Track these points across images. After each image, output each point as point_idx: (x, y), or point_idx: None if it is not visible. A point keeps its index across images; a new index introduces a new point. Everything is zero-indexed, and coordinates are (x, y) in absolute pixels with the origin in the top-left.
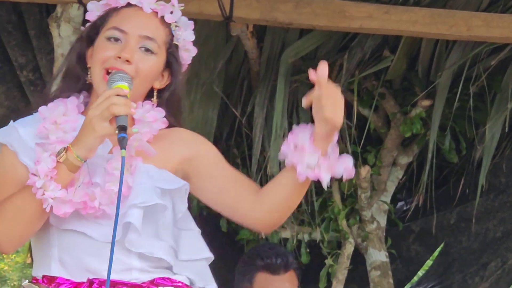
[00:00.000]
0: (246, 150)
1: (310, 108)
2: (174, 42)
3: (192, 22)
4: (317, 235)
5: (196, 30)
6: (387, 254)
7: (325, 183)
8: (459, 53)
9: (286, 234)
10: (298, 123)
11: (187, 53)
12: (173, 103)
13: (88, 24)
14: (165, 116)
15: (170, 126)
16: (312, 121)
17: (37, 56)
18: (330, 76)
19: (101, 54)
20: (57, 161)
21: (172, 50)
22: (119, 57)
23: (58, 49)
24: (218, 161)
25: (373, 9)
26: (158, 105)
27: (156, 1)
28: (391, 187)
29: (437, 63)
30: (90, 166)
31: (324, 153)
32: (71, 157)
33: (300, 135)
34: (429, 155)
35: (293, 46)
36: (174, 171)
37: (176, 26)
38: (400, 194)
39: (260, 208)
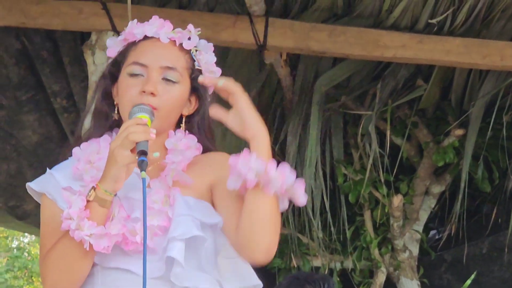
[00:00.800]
0: None
1: (344, 136)
2: (197, 67)
3: (211, 44)
4: (349, 264)
5: (230, 58)
6: (419, 283)
7: (271, 190)
8: (492, 83)
9: (317, 262)
10: (330, 151)
11: (212, 75)
12: (204, 126)
13: (109, 61)
14: (198, 141)
15: (205, 150)
16: (346, 151)
17: (71, 83)
18: (363, 104)
19: (126, 91)
20: (87, 200)
21: (195, 76)
22: (144, 92)
23: (92, 76)
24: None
25: (407, 38)
26: (189, 131)
27: (173, 30)
28: (424, 216)
29: (470, 92)
30: (129, 201)
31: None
32: (99, 193)
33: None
34: (462, 185)
35: (327, 75)
36: (208, 199)
37: (196, 50)
38: (432, 223)
39: (241, 239)
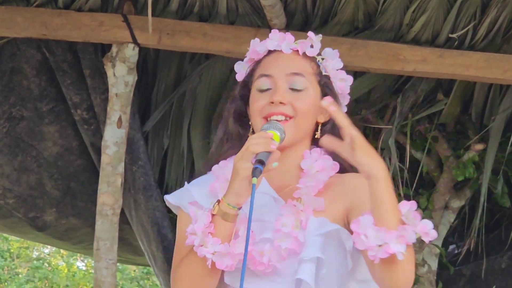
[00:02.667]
0: None
1: None
2: (324, 73)
3: (337, 51)
4: None
5: None
6: None
7: (399, 256)
8: None
9: None
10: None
11: (343, 82)
12: (336, 135)
13: (239, 84)
14: (333, 158)
15: (341, 169)
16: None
17: (92, 95)
18: (383, 118)
19: (256, 105)
20: (212, 215)
21: (324, 82)
22: (272, 102)
23: (112, 88)
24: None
25: (427, 52)
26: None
27: (295, 41)
28: (443, 231)
29: (491, 107)
30: (261, 223)
31: (391, 227)
32: (223, 207)
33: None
34: (482, 199)
35: None
36: (343, 224)
37: (322, 58)
38: (451, 237)
39: (376, 276)
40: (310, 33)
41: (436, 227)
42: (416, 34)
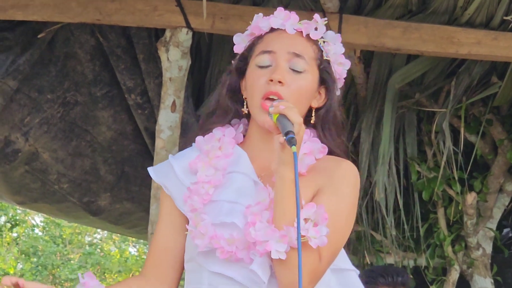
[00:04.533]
0: None
1: (417, 133)
2: (325, 57)
3: (339, 35)
4: (422, 261)
5: None
6: (492, 281)
7: (274, 254)
8: None
9: (390, 260)
10: (404, 149)
11: (341, 67)
12: (328, 121)
13: (236, 57)
14: (321, 140)
15: (330, 151)
16: (419, 148)
17: (145, 80)
18: (437, 101)
19: (255, 82)
20: None
21: (324, 66)
22: (271, 80)
23: (166, 73)
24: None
25: (481, 35)
26: (314, 125)
27: (299, 22)
28: (497, 214)
29: None
30: (231, 204)
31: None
32: None
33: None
34: None
35: (400, 72)
36: None
37: (324, 41)
38: (506, 220)
39: None
40: (316, 16)
41: (490, 210)
42: (470, 16)
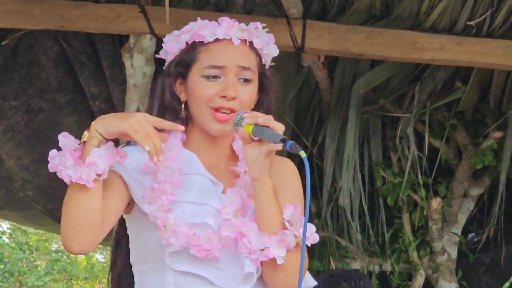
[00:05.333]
0: (317, 181)
1: (382, 139)
2: (263, 63)
3: (272, 35)
4: (387, 267)
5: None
6: (457, 286)
7: (279, 260)
8: None
9: (356, 265)
10: (369, 154)
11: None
12: None
13: (172, 60)
14: None
15: None
16: (384, 153)
17: (110, 86)
18: (401, 107)
19: (203, 92)
20: (83, 142)
21: (262, 71)
22: (224, 96)
23: (130, 79)
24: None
25: (445, 40)
26: None
27: (239, 29)
28: (462, 219)
29: (509, 94)
30: (201, 206)
31: (272, 231)
32: (92, 132)
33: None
34: (500, 187)
35: (364, 77)
36: None
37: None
38: (471, 225)
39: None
40: (258, 24)
41: (455, 215)
42: (434, 22)
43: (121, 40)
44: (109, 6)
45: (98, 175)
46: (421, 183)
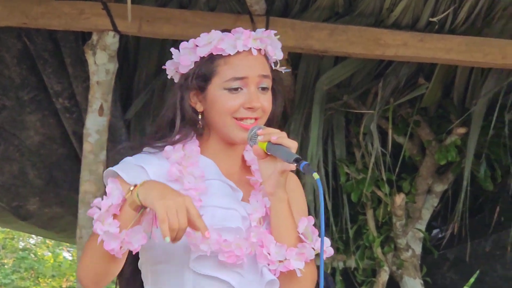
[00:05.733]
0: None
1: (346, 135)
2: (273, 68)
3: (279, 42)
4: (351, 263)
5: None
6: (422, 282)
7: (298, 272)
8: (494, 81)
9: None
10: (333, 150)
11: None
12: (274, 124)
13: (187, 72)
14: None
15: None
16: (348, 150)
17: (73, 83)
18: (365, 103)
19: (228, 105)
20: (124, 198)
21: (273, 77)
22: (250, 108)
23: (93, 76)
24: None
25: (408, 37)
26: None
27: (253, 39)
28: (426, 215)
29: (472, 90)
30: (229, 211)
31: (290, 244)
32: (133, 195)
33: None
34: (464, 183)
35: (328, 74)
36: None
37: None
38: (435, 221)
39: None
40: (270, 32)
41: (419, 211)
42: (397, 18)
43: (84, 37)
44: (72, 3)
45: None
46: (384, 179)
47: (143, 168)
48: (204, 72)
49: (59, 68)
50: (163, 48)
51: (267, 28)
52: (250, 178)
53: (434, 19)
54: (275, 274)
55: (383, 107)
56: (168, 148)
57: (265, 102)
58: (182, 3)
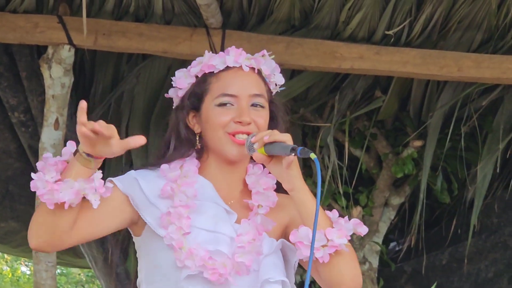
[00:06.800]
0: None
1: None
2: (271, 90)
3: (277, 65)
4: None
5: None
6: None
7: (344, 248)
8: (450, 94)
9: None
10: None
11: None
12: None
13: (184, 94)
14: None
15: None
16: (305, 163)
17: (29, 97)
18: (321, 116)
19: (219, 119)
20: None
21: (271, 99)
22: (239, 122)
23: (49, 90)
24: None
25: (364, 50)
26: None
27: (246, 58)
28: (383, 228)
29: (429, 103)
30: (215, 234)
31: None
32: (80, 149)
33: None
34: (421, 196)
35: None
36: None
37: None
38: (392, 234)
39: (323, 280)
40: (264, 51)
41: (376, 225)
42: (353, 31)
43: (39, 50)
44: (27, 17)
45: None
46: (341, 192)
47: (137, 180)
48: (197, 91)
49: (15, 82)
50: (119, 61)
51: (223, 42)
52: (247, 201)
53: (390, 32)
54: (323, 262)
55: (340, 120)
56: (164, 166)
57: (259, 118)
58: (138, 17)
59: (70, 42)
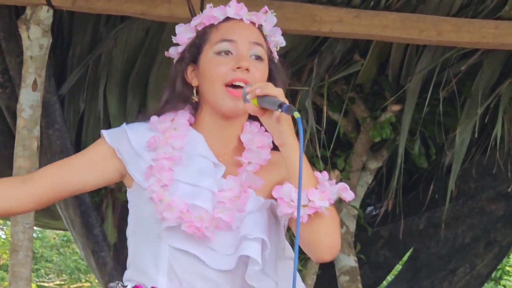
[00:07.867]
0: None
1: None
2: (271, 48)
3: (279, 28)
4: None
5: (166, 34)
6: (356, 259)
7: (324, 211)
8: (429, 58)
9: None
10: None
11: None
12: None
13: (185, 46)
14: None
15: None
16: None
17: (6, 58)
18: (300, 80)
19: (217, 69)
20: None
21: (270, 56)
22: (238, 68)
23: (27, 51)
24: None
25: (343, 13)
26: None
27: (247, 13)
28: (361, 192)
29: (407, 68)
30: (194, 188)
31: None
32: None
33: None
34: (399, 160)
35: None
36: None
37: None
38: (369, 199)
39: (304, 240)
40: (266, 8)
41: (353, 189)
42: None
43: (17, 11)
44: None
45: None
46: (319, 156)
47: (126, 132)
48: (196, 42)
49: None
50: (98, 23)
51: (202, 6)
52: (238, 158)
53: None
54: (302, 221)
55: (318, 84)
56: (153, 118)
57: (257, 71)
58: None
59: (49, 3)
